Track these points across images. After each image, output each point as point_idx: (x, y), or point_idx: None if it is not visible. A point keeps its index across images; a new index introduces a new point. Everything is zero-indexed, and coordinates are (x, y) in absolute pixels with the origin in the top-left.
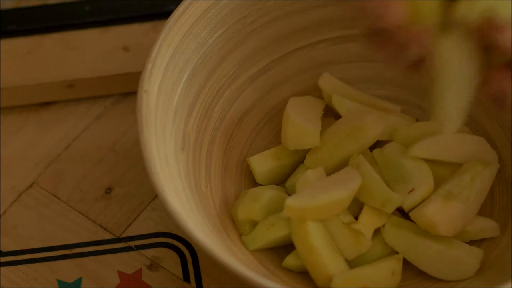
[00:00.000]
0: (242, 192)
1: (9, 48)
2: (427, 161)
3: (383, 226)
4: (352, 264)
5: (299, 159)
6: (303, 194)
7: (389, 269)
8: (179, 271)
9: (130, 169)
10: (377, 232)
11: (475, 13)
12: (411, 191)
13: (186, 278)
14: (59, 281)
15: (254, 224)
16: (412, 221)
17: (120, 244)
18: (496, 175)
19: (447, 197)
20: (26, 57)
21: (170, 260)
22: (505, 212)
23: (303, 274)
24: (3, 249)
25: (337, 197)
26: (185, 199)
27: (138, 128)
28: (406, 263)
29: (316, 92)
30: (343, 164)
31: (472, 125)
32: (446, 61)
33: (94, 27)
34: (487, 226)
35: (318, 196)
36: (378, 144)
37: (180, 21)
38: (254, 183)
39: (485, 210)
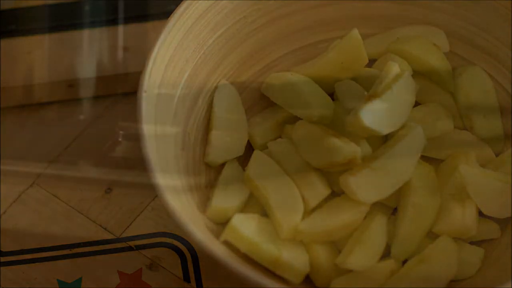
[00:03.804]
0: None
1: (9, 48)
2: None
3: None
4: None
5: None
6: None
7: (388, 269)
8: (179, 271)
9: (130, 169)
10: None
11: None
12: None
13: (186, 278)
14: (59, 281)
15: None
16: None
17: (120, 244)
18: None
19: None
20: (26, 57)
21: (170, 260)
22: None
23: None
24: (3, 249)
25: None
26: (185, 199)
27: (138, 128)
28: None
29: None
30: None
31: None
32: None
33: (94, 27)
34: (487, 227)
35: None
36: None
37: (180, 21)
38: None
39: None
